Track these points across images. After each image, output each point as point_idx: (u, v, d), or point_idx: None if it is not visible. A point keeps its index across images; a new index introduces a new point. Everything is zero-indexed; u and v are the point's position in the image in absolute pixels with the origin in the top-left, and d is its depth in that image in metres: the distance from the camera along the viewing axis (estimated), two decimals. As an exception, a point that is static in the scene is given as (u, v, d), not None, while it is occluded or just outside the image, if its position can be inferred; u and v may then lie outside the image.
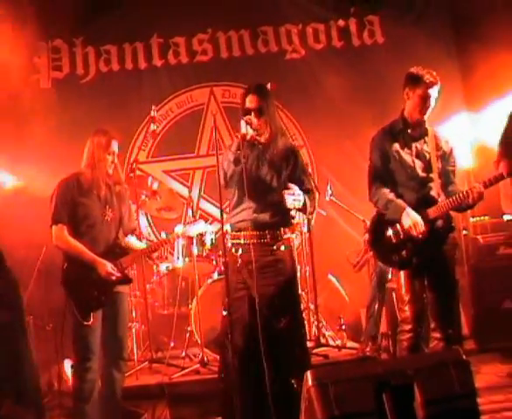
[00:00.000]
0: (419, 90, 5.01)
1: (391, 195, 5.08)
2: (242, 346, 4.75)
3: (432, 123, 5.24)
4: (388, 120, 5.33)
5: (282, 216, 4.91)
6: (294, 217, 5.08)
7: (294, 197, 4.77)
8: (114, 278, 5.19)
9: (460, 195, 4.95)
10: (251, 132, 4.84)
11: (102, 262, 5.18)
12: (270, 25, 8.90)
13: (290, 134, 8.28)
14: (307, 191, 4.97)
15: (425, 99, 5.01)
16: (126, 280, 5.39)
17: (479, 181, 4.99)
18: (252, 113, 4.89)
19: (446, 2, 8.77)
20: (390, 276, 6.45)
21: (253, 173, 4.90)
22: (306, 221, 7.36)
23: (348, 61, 8.83)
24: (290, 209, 4.90)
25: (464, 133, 7.84)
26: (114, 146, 5.34)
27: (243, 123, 4.82)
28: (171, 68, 8.81)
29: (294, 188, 4.79)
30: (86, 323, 5.09)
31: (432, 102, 5.05)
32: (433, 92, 5.02)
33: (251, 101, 4.92)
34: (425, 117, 5.10)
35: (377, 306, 6.70)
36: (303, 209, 4.96)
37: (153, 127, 6.96)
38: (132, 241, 5.60)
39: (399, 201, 5.05)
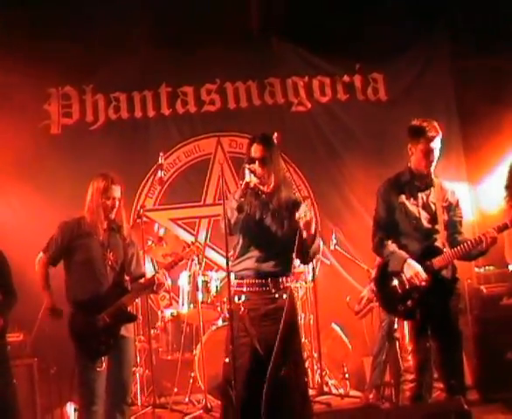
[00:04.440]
0: (421, 145, 5.05)
1: (393, 247, 5.11)
2: (243, 393, 4.71)
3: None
4: (391, 173, 5.38)
5: (285, 266, 4.92)
6: (295, 267, 5.08)
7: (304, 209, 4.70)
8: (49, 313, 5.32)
9: (469, 242, 4.95)
10: (254, 180, 4.83)
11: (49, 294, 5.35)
12: (277, 77, 8.99)
13: (296, 185, 8.38)
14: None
15: (427, 153, 5.05)
16: (131, 318, 5.45)
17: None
18: (257, 163, 4.88)
19: (446, 63, 8.90)
20: (396, 326, 6.45)
21: (257, 222, 4.91)
22: (311, 270, 7.43)
23: (352, 114, 8.96)
24: (293, 259, 4.93)
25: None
26: (115, 191, 5.36)
27: (247, 171, 4.82)
28: (179, 117, 8.89)
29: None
30: (98, 369, 5.12)
31: (436, 154, 5.08)
32: (436, 144, 5.05)
33: (256, 151, 4.92)
34: (431, 169, 5.13)
35: (384, 357, 6.67)
36: (311, 237, 4.77)
37: (160, 174, 6.98)
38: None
39: (401, 252, 5.08)
